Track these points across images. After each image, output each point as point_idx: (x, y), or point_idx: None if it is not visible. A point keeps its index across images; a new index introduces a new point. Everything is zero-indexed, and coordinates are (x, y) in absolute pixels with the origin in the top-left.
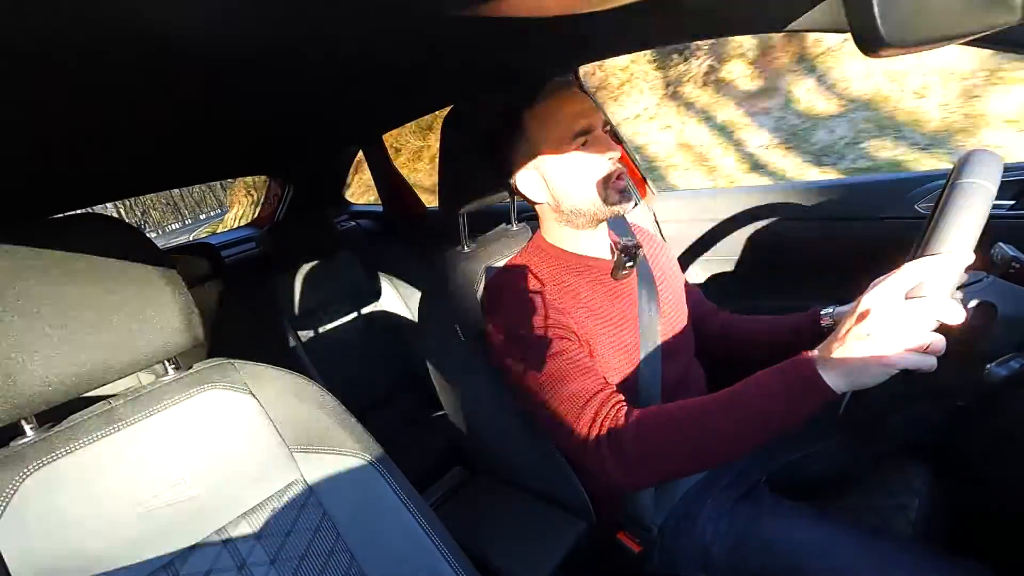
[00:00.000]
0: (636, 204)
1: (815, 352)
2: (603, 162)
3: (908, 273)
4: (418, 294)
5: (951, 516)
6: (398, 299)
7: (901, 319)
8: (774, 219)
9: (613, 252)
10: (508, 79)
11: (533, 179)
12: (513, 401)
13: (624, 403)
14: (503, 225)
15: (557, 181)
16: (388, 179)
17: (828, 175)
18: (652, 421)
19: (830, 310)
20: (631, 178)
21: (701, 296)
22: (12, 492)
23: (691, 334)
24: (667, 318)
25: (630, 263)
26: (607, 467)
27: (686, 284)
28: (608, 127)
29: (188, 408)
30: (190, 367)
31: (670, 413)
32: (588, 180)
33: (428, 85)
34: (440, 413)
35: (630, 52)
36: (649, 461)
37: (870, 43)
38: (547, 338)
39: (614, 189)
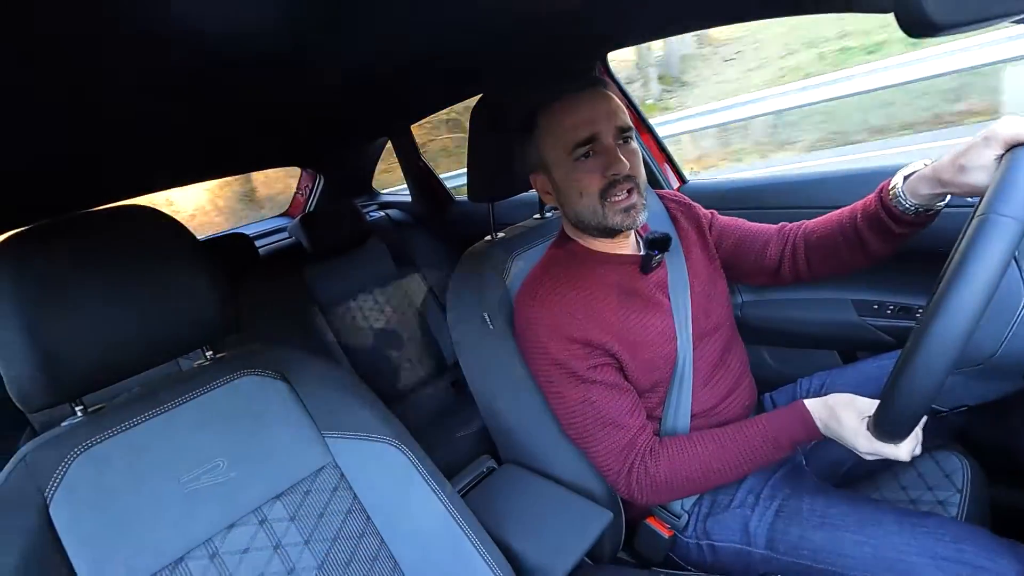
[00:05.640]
0: (643, 221)
1: (816, 419)
2: (603, 175)
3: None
4: (447, 283)
5: (994, 514)
6: (426, 288)
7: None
8: (805, 208)
9: (639, 243)
10: (533, 70)
11: (543, 181)
12: (541, 392)
13: (654, 437)
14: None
15: (561, 189)
16: (416, 169)
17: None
18: (680, 459)
19: (899, 183)
20: (661, 167)
21: (751, 226)
22: (65, 469)
23: (728, 308)
24: (700, 298)
25: (659, 255)
26: (635, 494)
27: (731, 226)
28: (625, 133)
29: (225, 392)
30: (226, 353)
31: (694, 450)
32: (587, 192)
33: (455, 77)
34: (469, 401)
35: (664, 37)
36: (674, 490)
37: (916, 23)
38: (577, 359)
39: (614, 204)
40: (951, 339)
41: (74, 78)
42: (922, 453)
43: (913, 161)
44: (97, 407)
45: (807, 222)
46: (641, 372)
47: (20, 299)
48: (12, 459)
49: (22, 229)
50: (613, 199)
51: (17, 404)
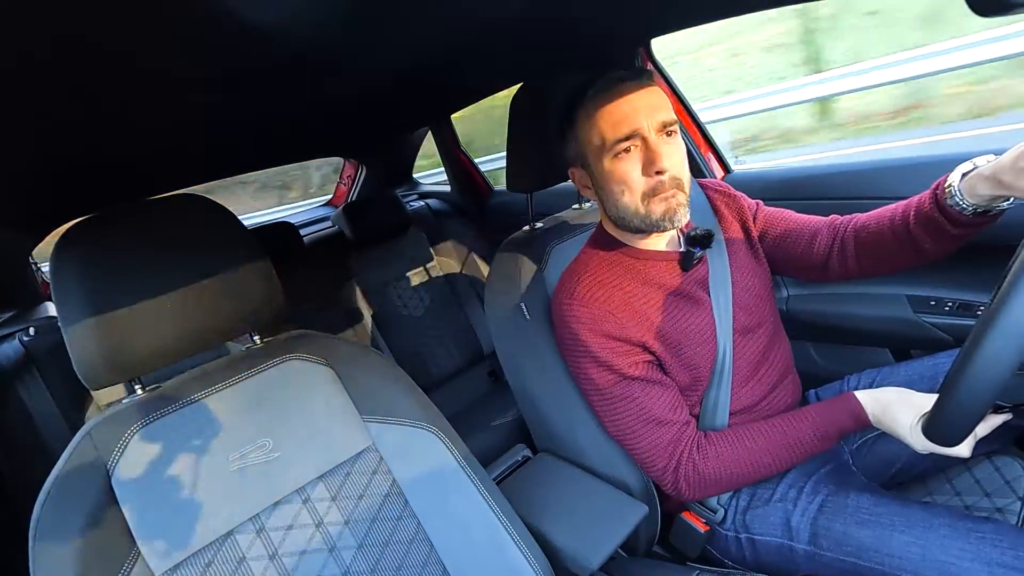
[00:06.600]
0: (684, 221)
1: (868, 413)
2: (644, 172)
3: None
4: (485, 273)
5: None
6: (465, 278)
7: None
8: (857, 200)
9: (680, 239)
10: (574, 56)
11: (582, 176)
12: (579, 389)
13: (699, 432)
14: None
15: (601, 184)
16: (455, 159)
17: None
18: (728, 453)
19: (956, 180)
20: (705, 156)
21: (799, 217)
22: (125, 444)
23: (772, 303)
24: (741, 294)
25: (700, 252)
26: (682, 490)
27: (777, 217)
28: (669, 128)
29: (271, 376)
30: (273, 338)
31: (742, 444)
32: (629, 190)
33: (495, 66)
34: (505, 390)
35: (713, 20)
36: (722, 484)
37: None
38: (617, 356)
39: (659, 202)
40: (1016, 338)
41: (137, 76)
42: (980, 457)
43: (976, 155)
44: (153, 387)
45: (859, 216)
46: (680, 370)
47: (87, 284)
48: (79, 432)
49: (86, 217)
50: (656, 195)
51: (82, 381)
